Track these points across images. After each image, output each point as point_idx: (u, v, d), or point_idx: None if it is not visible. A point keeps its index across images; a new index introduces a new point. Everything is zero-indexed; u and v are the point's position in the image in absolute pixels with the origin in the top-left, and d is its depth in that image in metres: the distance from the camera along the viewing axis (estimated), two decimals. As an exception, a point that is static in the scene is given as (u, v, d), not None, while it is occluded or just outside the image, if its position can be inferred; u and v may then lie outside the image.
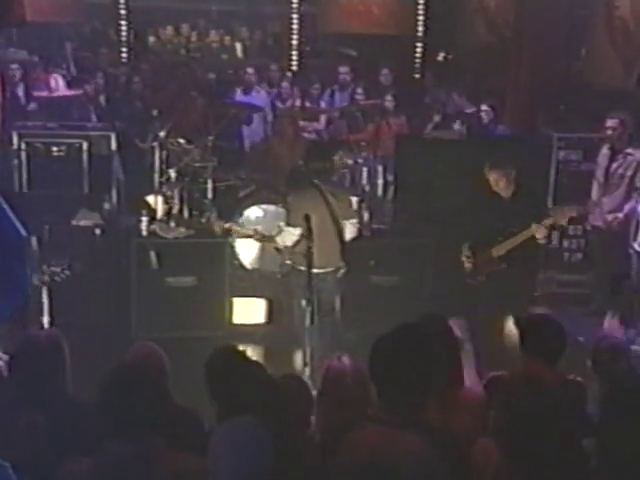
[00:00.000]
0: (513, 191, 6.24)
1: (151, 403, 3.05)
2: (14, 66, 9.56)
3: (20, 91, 9.26)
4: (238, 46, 15.78)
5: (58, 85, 9.13)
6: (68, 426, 3.40)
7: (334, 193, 6.11)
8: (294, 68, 9.54)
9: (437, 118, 9.38)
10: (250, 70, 10.41)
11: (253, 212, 7.34)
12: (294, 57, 9.52)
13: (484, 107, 8.53)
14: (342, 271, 6.20)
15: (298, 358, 6.32)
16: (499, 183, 6.23)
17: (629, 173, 7.27)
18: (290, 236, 5.96)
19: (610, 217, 7.34)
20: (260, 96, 10.12)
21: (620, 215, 7.28)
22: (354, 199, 7.45)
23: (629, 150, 7.28)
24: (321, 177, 6.11)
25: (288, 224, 6.03)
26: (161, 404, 3.18)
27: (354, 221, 6.26)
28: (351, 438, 2.82)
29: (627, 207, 7.27)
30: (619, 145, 7.29)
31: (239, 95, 10.14)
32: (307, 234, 5.52)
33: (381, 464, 2.64)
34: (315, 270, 5.60)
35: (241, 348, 3.69)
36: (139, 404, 3.00)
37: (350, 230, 6.19)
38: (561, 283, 8.03)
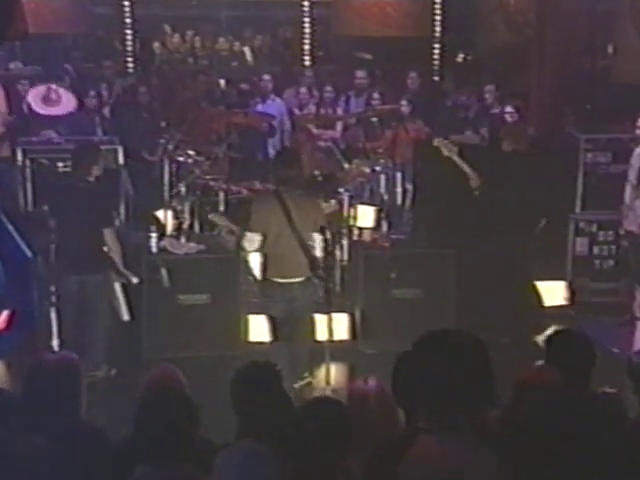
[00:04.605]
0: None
1: (178, 426, 3.05)
2: (23, 81, 9.44)
3: (24, 105, 9.09)
4: (247, 52, 15.57)
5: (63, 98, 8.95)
6: (79, 450, 3.33)
7: (299, 203, 5.90)
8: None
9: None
10: (266, 77, 10.17)
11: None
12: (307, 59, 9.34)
13: (508, 109, 8.25)
14: (319, 286, 5.90)
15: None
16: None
17: (663, 175, 6.95)
18: (251, 242, 5.94)
19: (645, 221, 7.03)
20: (275, 104, 9.87)
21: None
22: (371, 208, 7.26)
23: (663, 150, 6.97)
24: (288, 185, 5.93)
25: (250, 230, 5.96)
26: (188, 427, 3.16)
27: (321, 238, 5.80)
28: (414, 451, 2.72)
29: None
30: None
31: (254, 103, 9.93)
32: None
33: (451, 470, 2.64)
34: (279, 280, 5.90)
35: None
36: (167, 427, 3.02)
37: (318, 245, 5.82)
38: (593, 291, 7.80)
